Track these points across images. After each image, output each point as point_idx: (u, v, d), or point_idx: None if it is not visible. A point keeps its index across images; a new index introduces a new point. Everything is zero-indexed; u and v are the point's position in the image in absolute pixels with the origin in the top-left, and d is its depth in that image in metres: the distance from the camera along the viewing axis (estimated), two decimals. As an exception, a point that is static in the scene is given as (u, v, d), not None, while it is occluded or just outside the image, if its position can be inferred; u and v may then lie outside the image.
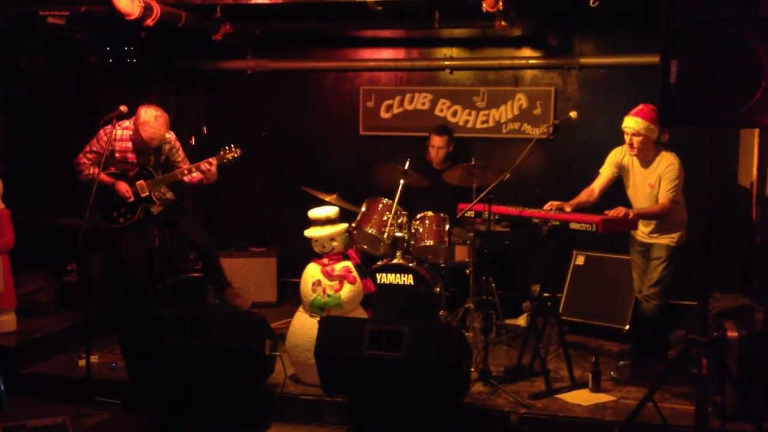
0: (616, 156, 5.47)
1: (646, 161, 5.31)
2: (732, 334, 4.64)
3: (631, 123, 5.19)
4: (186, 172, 6.03)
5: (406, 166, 6.16)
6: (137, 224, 6.06)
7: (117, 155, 5.98)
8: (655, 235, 5.33)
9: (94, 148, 5.92)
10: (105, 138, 5.85)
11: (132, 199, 5.95)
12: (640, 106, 5.22)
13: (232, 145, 6.07)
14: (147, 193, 5.99)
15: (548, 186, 6.65)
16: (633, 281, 5.66)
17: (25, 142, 7.44)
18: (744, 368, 4.60)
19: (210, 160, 5.99)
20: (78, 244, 5.19)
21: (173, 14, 6.23)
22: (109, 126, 5.68)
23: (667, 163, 5.19)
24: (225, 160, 6.03)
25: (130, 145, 6.00)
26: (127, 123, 5.98)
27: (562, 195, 5.49)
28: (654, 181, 5.23)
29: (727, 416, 4.49)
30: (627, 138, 5.24)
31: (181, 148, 6.23)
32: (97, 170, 5.57)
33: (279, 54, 7.71)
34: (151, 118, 5.87)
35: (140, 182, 5.98)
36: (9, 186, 6.08)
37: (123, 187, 5.92)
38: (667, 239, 5.29)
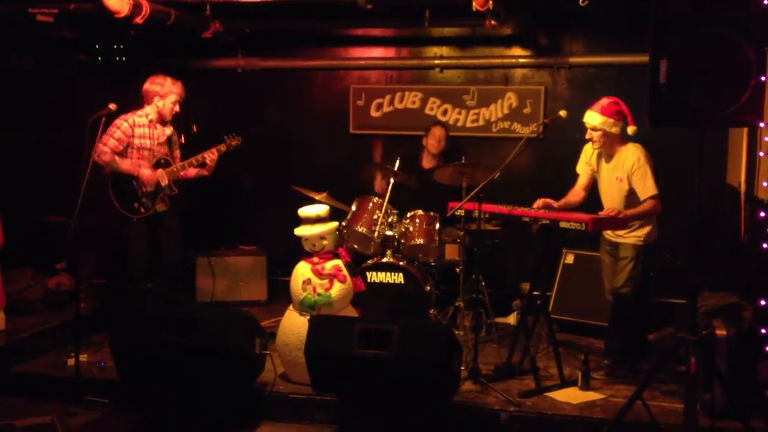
0: (586, 154, 5.52)
1: (610, 155, 5.34)
2: (720, 332, 4.67)
3: (588, 118, 5.26)
4: (201, 159, 6.05)
5: (396, 166, 6.16)
6: (152, 217, 6.02)
7: (136, 144, 5.94)
8: (622, 233, 5.33)
9: (116, 137, 5.82)
10: (125, 126, 5.85)
11: (154, 187, 5.95)
12: (602, 100, 5.26)
13: (233, 134, 6.21)
14: (167, 182, 6.00)
15: (538, 185, 6.66)
16: (603, 285, 5.65)
17: (13, 141, 7.41)
18: (733, 366, 4.63)
19: (212, 149, 6.07)
20: (68, 243, 5.17)
21: (162, 12, 6.22)
22: (129, 114, 5.81)
23: (633, 159, 5.19)
24: (231, 147, 6.16)
25: (147, 131, 5.97)
26: (140, 111, 5.97)
27: (552, 194, 5.51)
28: (622, 174, 5.24)
29: (716, 414, 4.50)
30: (587, 133, 5.30)
31: (177, 142, 6.29)
32: (118, 159, 5.73)
33: (269, 52, 7.70)
34: (166, 78, 5.98)
35: (160, 171, 5.98)
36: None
37: (148, 172, 5.91)
38: (634, 238, 5.29)
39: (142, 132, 5.95)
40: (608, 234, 5.44)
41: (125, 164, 5.85)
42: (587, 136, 5.33)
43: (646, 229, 5.27)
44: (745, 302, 5.05)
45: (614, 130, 5.20)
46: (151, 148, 5.99)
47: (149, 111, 5.99)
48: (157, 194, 5.99)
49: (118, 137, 5.82)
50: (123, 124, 5.85)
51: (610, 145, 5.29)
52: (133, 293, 6.04)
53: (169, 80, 5.99)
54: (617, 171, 5.28)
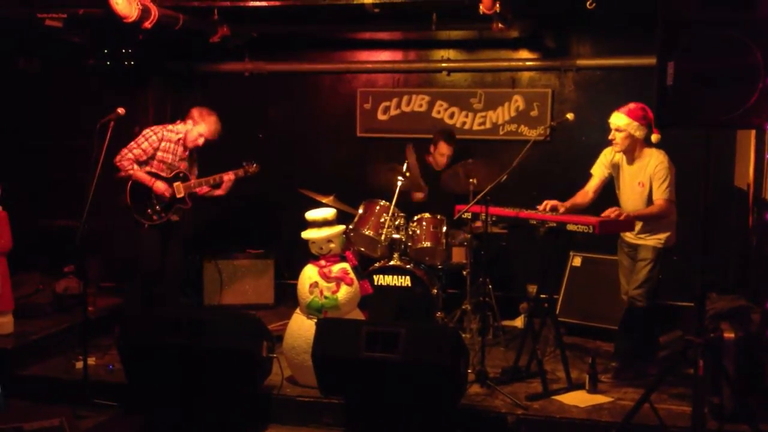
0: (607, 156, 5.51)
1: (632, 158, 5.34)
2: (729, 335, 4.65)
3: (614, 118, 5.28)
4: (217, 179, 6.20)
5: (405, 168, 6.16)
6: (164, 225, 6.11)
7: (159, 156, 6.06)
8: (643, 236, 5.34)
9: (142, 147, 5.97)
10: (154, 138, 6.00)
11: (169, 198, 6.06)
12: (630, 104, 5.28)
13: (252, 161, 6.37)
14: (183, 195, 6.11)
15: (545, 187, 6.63)
16: (620, 284, 5.66)
17: (22, 145, 7.44)
18: (741, 369, 4.61)
19: (230, 172, 6.23)
20: (76, 246, 5.19)
21: (171, 17, 6.23)
22: (159, 126, 6.01)
23: (656, 162, 5.21)
24: (249, 173, 6.35)
25: (172, 147, 6.10)
26: (171, 126, 6.14)
27: (559, 196, 5.50)
28: (644, 179, 5.26)
29: (724, 417, 4.49)
30: (610, 134, 5.30)
31: (196, 160, 6.40)
32: (136, 167, 5.92)
33: (276, 56, 7.72)
34: (213, 115, 6.17)
35: (177, 184, 6.10)
36: (6, 188, 6.07)
37: (162, 186, 6.01)
38: (654, 241, 5.30)
39: (167, 146, 6.09)
40: (628, 236, 5.44)
41: (141, 174, 5.97)
42: (610, 137, 5.32)
43: (668, 233, 5.29)
44: (753, 305, 5.03)
45: (638, 134, 5.21)
46: (172, 162, 6.13)
47: (181, 129, 6.15)
48: (171, 205, 6.10)
49: (144, 148, 5.98)
50: (152, 136, 6.02)
51: (632, 149, 5.30)
52: (141, 296, 6.11)
53: (212, 117, 6.19)
54: (640, 176, 5.29)
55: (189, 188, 6.15)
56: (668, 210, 5.18)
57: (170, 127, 6.15)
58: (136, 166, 5.95)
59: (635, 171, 5.33)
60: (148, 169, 6.04)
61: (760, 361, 4.68)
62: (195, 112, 6.16)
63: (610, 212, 5.08)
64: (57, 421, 4.61)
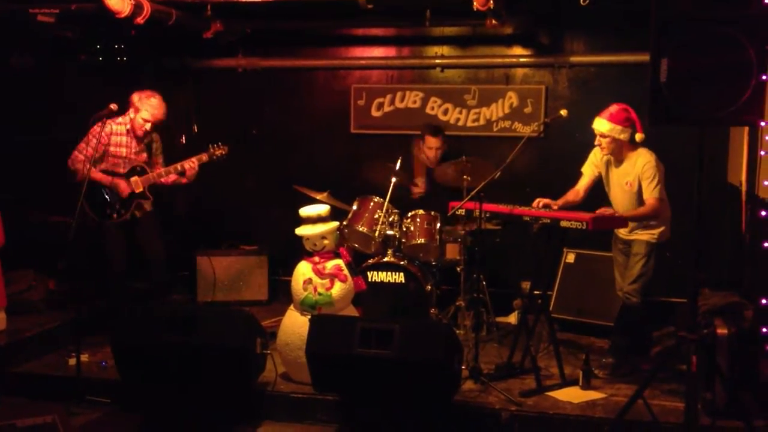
0: (596, 155, 5.53)
1: (619, 160, 5.37)
2: (722, 331, 4.66)
3: (597, 124, 5.29)
4: (179, 168, 6.04)
5: (398, 166, 6.16)
6: (126, 223, 6.04)
7: (111, 151, 5.97)
8: (637, 231, 5.37)
9: (91, 146, 5.82)
10: (98, 136, 5.82)
11: (126, 195, 5.97)
12: (610, 108, 5.30)
13: (219, 143, 6.15)
14: (141, 189, 6.00)
15: (539, 184, 6.65)
16: (615, 280, 5.68)
17: (13, 141, 7.40)
18: (734, 365, 4.63)
19: (192, 159, 6.06)
20: (69, 242, 5.17)
21: (164, 12, 6.21)
22: (99, 123, 5.69)
23: (643, 162, 5.23)
24: (214, 157, 6.11)
25: (125, 140, 6.00)
26: (120, 119, 5.98)
27: (552, 193, 5.52)
28: (632, 179, 5.28)
29: (717, 413, 4.50)
30: (596, 140, 5.32)
31: (160, 148, 6.28)
32: (90, 168, 5.64)
33: (270, 52, 7.71)
34: (154, 97, 5.97)
35: (134, 178, 5.99)
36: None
37: (123, 184, 5.93)
38: (648, 236, 5.33)
39: (118, 140, 5.98)
40: (621, 233, 5.47)
41: (98, 174, 5.89)
42: (596, 143, 5.36)
43: (661, 228, 5.31)
44: (746, 301, 5.05)
45: (623, 136, 5.23)
46: (127, 156, 6.02)
47: (126, 120, 6.01)
48: (131, 201, 6.01)
49: (94, 146, 5.81)
50: (97, 134, 5.83)
51: (619, 152, 5.33)
52: (113, 292, 6.11)
53: (153, 98, 5.97)
54: (627, 176, 5.31)
55: (148, 181, 6.01)
56: (660, 209, 5.20)
57: (119, 119, 5.98)
58: (90, 167, 5.70)
59: (623, 171, 5.36)
60: (103, 166, 5.94)
61: (752, 357, 4.69)
62: (134, 97, 5.96)
63: (604, 210, 5.10)
64: (50, 417, 4.61)
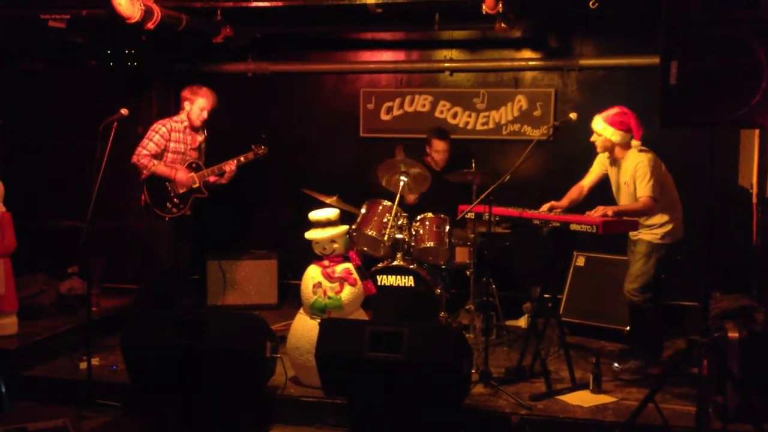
0: (603, 155, 5.53)
1: (614, 160, 5.43)
2: (733, 334, 4.64)
3: (593, 122, 5.36)
4: (223, 168, 6.30)
5: (400, 156, 6.17)
6: (180, 219, 6.21)
7: (171, 147, 6.18)
8: (641, 231, 5.37)
9: (154, 140, 6.09)
10: (163, 130, 6.11)
11: (187, 189, 6.19)
12: (611, 109, 5.35)
13: (261, 144, 6.55)
14: (198, 185, 6.21)
15: (548, 187, 6.62)
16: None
17: (25, 146, 7.45)
18: (745, 369, 4.60)
19: (231, 161, 6.35)
20: (80, 247, 5.19)
21: (174, 17, 6.24)
22: (166, 119, 6.13)
23: (636, 161, 5.25)
24: (258, 155, 6.50)
25: (181, 136, 6.22)
26: (176, 117, 6.25)
27: (562, 196, 5.52)
28: (629, 179, 5.31)
29: (728, 417, 4.49)
30: (592, 136, 5.39)
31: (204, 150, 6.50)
32: (156, 162, 6.05)
33: (279, 56, 7.72)
34: (203, 88, 6.30)
35: (191, 174, 6.20)
36: (10, 189, 6.08)
37: (184, 175, 6.15)
38: (650, 235, 5.33)
39: (177, 137, 6.20)
40: (630, 233, 5.47)
41: (162, 167, 6.10)
42: (591, 139, 5.39)
43: (666, 228, 5.30)
44: (757, 304, 5.03)
45: (615, 138, 5.28)
46: (185, 152, 6.25)
47: (183, 117, 6.25)
48: (189, 196, 6.22)
49: (156, 141, 6.09)
50: (161, 128, 6.13)
51: (612, 152, 5.39)
52: (155, 295, 6.20)
53: (203, 89, 6.29)
54: (624, 176, 5.35)
55: (203, 177, 6.26)
56: (651, 206, 5.19)
57: (175, 118, 6.25)
58: (155, 161, 6.05)
59: (621, 172, 5.40)
60: (164, 162, 6.14)
61: (764, 361, 4.67)
62: (186, 92, 6.27)
63: (595, 211, 5.09)
64: (61, 421, 4.61)
